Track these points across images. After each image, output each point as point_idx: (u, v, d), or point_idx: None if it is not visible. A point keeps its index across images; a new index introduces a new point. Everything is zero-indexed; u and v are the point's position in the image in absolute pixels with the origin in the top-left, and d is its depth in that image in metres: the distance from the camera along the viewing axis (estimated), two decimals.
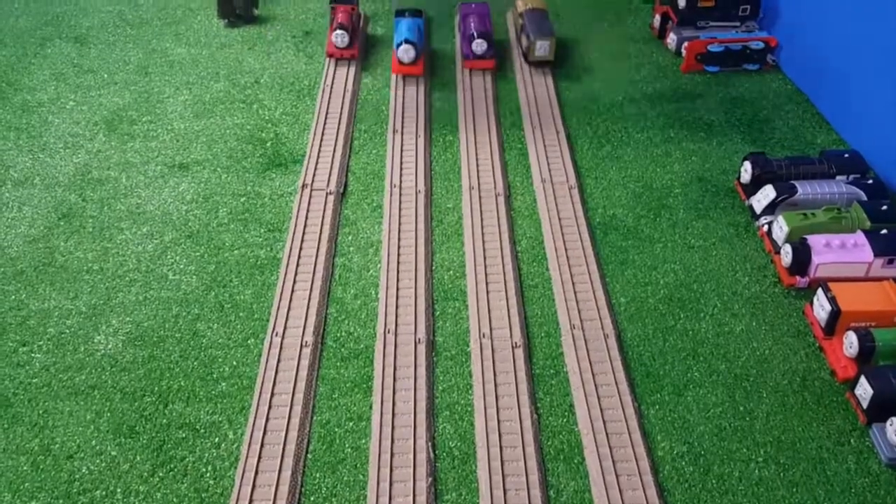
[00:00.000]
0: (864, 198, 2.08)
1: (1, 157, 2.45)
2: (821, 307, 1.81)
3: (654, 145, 2.50)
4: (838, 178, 2.16)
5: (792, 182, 2.12)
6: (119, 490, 1.58)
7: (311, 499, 1.58)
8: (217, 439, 1.68)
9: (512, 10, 3.13)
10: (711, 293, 2.00)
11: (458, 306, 1.99)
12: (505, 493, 1.58)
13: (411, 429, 1.70)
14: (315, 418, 1.74)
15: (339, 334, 1.93)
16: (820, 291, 1.82)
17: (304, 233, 2.19)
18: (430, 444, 1.67)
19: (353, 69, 2.84)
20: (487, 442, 1.67)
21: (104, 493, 1.58)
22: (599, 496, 1.58)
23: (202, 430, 1.70)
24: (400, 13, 2.90)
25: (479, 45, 2.74)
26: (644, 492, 1.58)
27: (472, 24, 2.80)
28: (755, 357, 1.84)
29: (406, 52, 2.64)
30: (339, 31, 2.84)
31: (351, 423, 1.72)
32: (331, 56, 2.87)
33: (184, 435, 1.69)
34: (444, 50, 3.01)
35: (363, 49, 3.00)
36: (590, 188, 2.35)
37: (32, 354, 1.85)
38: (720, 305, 1.97)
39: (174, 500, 1.57)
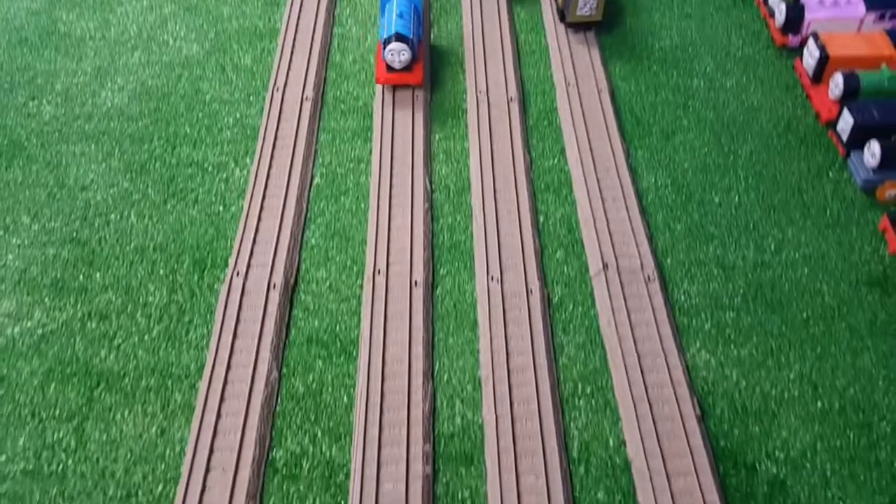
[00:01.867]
0: None
1: None
2: (810, 55, 1.88)
3: None
4: None
5: None
6: (133, 214, 1.71)
7: (317, 221, 1.70)
8: (224, 175, 1.79)
9: None
10: (705, 55, 2.06)
11: (456, 70, 2.06)
12: (497, 214, 1.70)
13: (409, 168, 1.80)
14: (317, 160, 1.84)
15: (338, 93, 2.01)
16: (810, 40, 1.88)
17: (301, 5, 2.23)
18: (427, 178, 1.78)
19: None
20: (481, 176, 1.78)
21: (118, 216, 1.70)
22: (586, 219, 1.70)
23: (210, 169, 1.81)
24: None
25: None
26: (628, 213, 1.69)
27: None
28: (743, 107, 1.92)
29: (396, 55, 1.86)
30: None
31: (352, 165, 1.83)
32: None
33: (192, 172, 1.80)
34: None
35: None
36: None
37: (42, 107, 1.94)
38: (713, 65, 2.03)
39: (186, 222, 1.69)
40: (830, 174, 1.76)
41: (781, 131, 1.86)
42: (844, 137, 1.73)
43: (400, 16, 1.91)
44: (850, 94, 1.77)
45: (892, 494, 1.28)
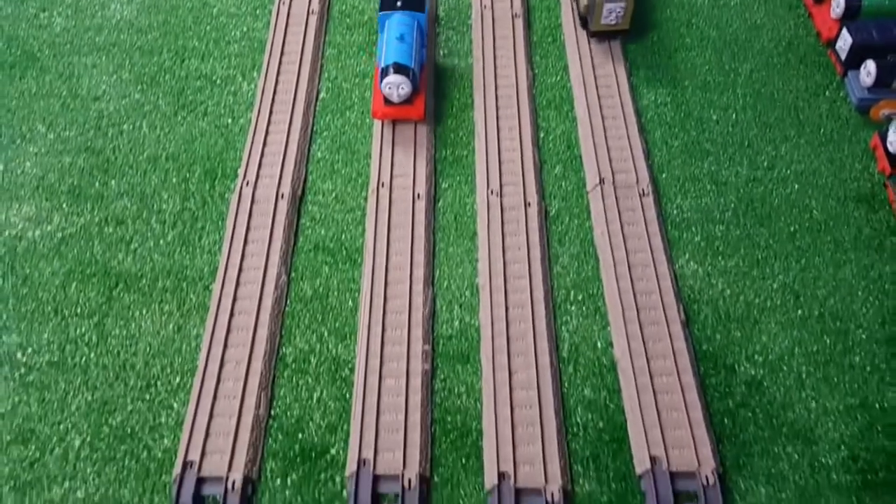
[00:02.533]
0: None
1: None
2: None
3: None
4: None
5: None
6: (145, 124, 1.76)
7: (323, 135, 1.76)
8: (232, 88, 1.84)
9: None
10: None
11: None
12: (498, 130, 1.75)
13: None
14: (323, 75, 1.88)
15: (343, 7, 2.03)
16: None
17: None
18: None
19: None
20: (484, 92, 1.82)
21: (131, 126, 1.76)
22: (585, 135, 1.74)
23: (218, 82, 1.85)
24: (393, 4, 1.79)
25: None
26: (626, 130, 1.74)
27: None
28: (746, 25, 1.94)
29: (395, 88, 1.65)
30: None
31: (357, 80, 1.87)
32: None
33: (201, 84, 1.85)
34: None
35: None
36: None
37: (53, 18, 1.97)
38: None
39: (196, 133, 1.75)
40: (827, 93, 1.79)
41: (782, 50, 1.88)
42: (843, 56, 1.76)
43: (400, 38, 1.69)
44: (851, 14, 1.79)
45: (863, 396, 1.37)
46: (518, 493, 1.26)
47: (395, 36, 1.70)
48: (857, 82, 1.72)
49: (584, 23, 1.87)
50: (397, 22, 1.74)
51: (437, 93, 1.83)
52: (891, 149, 1.60)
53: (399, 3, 1.78)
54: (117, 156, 1.70)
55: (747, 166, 1.67)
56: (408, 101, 1.67)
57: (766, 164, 1.68)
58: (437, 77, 1.87)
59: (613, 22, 1.78)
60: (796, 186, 1.64)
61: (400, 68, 1.64)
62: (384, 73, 1.64)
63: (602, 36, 1.88)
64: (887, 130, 1.61)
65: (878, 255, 1.53)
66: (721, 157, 1.69)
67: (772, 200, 1.62)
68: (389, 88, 1.64)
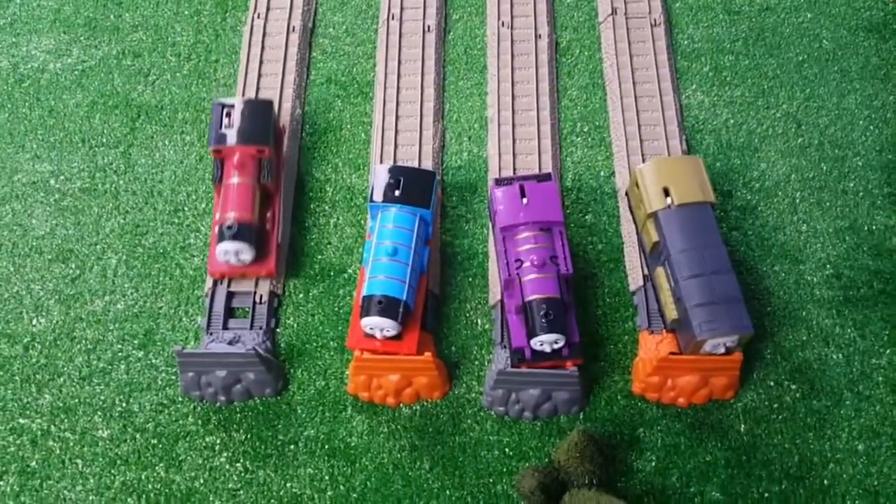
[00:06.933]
0: None
1: None
2: None
3: None
4: None
5: None
6: None
7: None
8: None
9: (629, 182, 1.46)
10: None
11: None
12: None
13: None
14: None
15: None
16: None
17: None
18: None
19: None
20: None
21: None
22: None
23: None
24: (389, 194, 1.37)
25: (545, 343, 1.29)
26: None
27: (530, 281, 1.30)
28: None
29: (377, 331, 1.30)
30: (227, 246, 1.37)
31: None
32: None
33: None
34: None
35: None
36: None
37: None
38: None
39: None
40: None
41: None
42: None
43: (394, 253, 1.31)
44: None
45: (853, 219, 1.47)
46: None
47: (385, 251, 1.31)
48: None
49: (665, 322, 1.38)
50: (394, 220, 1.35)
51: None
52: None
53: (397, 193, 1.36)
54: None
55: None
56: (396, 336, 1.32)
57: None
58: None
59: (722, 352, 1.34)
60: (809, 15, 1.67)
61: (386, 308, 1.27)
62: (365, 308, 1.29)
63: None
64: None
65: (884, 85, 1.58)
66: None
67: (783, 30, 1.66)
68: (371, 329, 1.31)
